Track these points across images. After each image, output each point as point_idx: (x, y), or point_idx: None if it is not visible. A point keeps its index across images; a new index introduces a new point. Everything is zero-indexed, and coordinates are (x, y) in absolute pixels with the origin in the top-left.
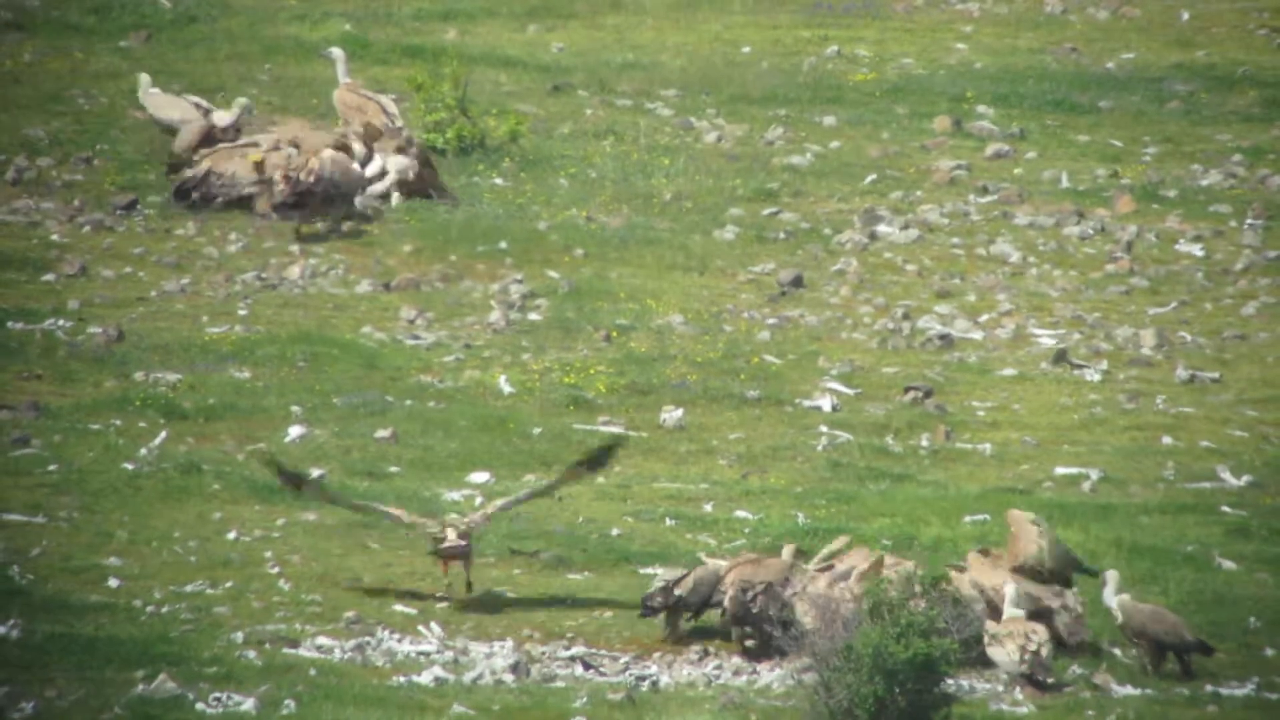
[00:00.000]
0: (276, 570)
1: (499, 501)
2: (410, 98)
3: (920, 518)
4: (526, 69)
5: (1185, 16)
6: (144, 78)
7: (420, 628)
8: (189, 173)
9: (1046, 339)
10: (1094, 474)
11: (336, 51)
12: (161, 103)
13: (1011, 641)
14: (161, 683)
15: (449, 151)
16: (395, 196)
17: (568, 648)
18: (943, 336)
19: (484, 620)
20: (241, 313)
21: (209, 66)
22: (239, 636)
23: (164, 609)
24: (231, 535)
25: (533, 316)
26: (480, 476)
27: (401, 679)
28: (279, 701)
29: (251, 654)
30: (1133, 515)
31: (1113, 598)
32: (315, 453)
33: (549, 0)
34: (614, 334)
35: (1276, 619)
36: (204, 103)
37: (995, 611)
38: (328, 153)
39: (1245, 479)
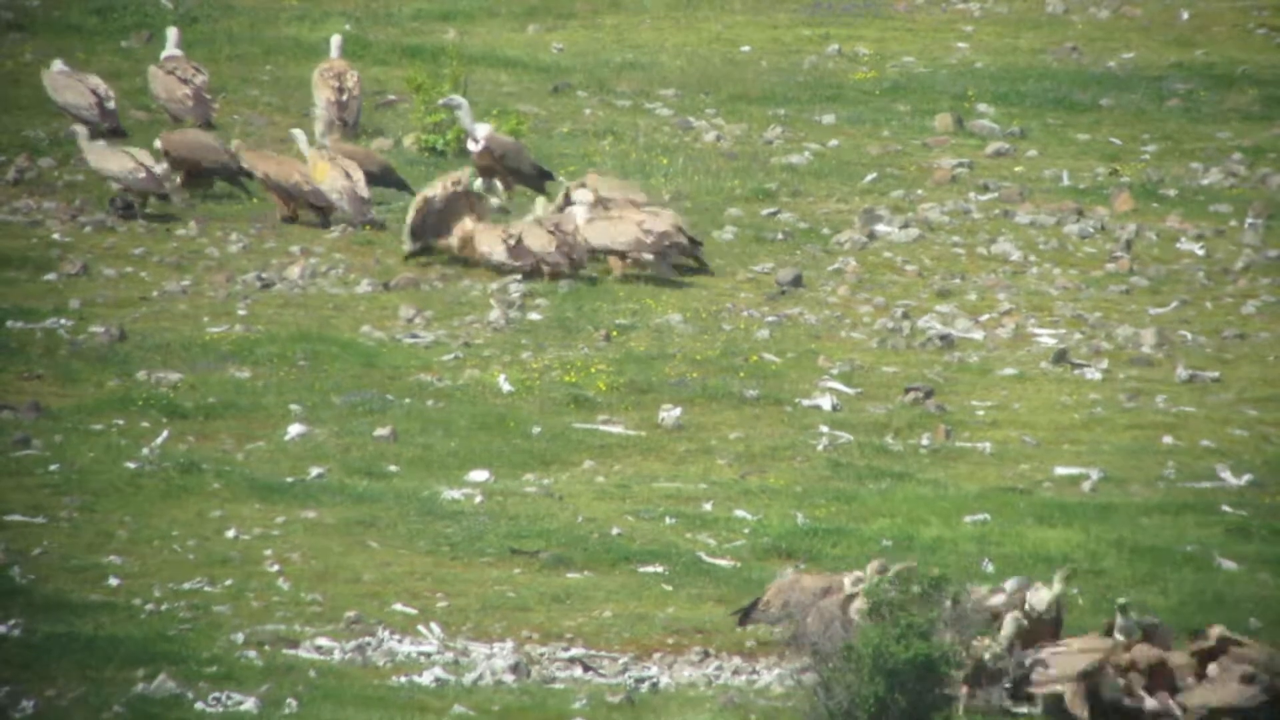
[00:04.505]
0: (276, 569)
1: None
2: (410, 98)
3: (920, 517)
4: (526, 69)
5: (1185, 16)
6: None
7: (420, 628)
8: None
9: (1047, 338)
10: (1094, 473)
11: (336, 38)
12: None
13: None
14: (162, 682)
15: (449, 152)
16: None
17: (567, 648)
18: (943, 336)
19: (484, 621)
20: (242, 312)
21: (210, 67)
22: (239, 637)
23: (163, 607)
24: (231, 534)
25: (532, 316)
26: (480, 475)
27: (402, 679)
28: (280, 701)
29: (252, 654)
30: (1133, 515)
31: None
32: (315, 451)
33: (549, 0)
34: (613, 333)
35: (1276, 619)
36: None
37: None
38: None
39: (1245, 478)
